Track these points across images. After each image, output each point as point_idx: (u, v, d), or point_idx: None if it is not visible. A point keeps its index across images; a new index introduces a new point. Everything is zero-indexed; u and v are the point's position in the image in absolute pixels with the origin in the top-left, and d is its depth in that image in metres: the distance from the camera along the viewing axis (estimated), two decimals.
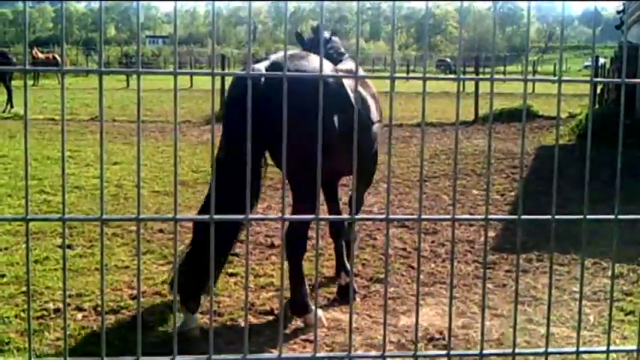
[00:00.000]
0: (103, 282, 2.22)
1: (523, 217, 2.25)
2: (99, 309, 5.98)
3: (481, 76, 26.45)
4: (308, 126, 4.34)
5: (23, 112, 2.17)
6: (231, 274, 6.99)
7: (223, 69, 25.63)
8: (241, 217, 2.29)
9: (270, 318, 5.85)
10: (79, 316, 5.81)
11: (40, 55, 44.76)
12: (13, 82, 24.23)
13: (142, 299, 6.22)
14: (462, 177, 12.43)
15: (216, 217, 2.27)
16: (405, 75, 2.44)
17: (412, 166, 13.50)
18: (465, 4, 2.27)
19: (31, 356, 2.36)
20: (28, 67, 2.23)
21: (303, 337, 5.50)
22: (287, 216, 2.31)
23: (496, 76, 2.28)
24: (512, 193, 11.25)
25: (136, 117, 9.34)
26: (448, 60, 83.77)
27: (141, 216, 2.21)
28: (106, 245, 7.54)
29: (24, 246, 7.58)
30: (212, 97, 2.21)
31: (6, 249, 7.49)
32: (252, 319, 5.83)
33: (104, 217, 2.27)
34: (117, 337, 5.34)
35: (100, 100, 2.18)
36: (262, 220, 7.45)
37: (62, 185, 2.26)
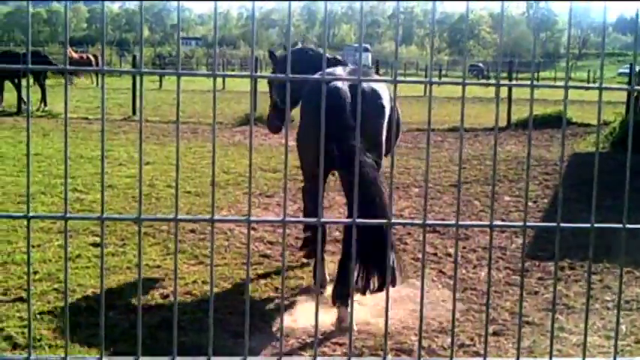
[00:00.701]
0: (140, 281, 2.23)
1: (562, 224, 2.22)
2: (130, 307, 6.02)
3: (515, 82, 26.32)
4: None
5: (63, 111, 2.19)
6: (262, 276, 7.01)
7: (256, 71, 25.70)
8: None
9: (302, 321, 5.85)
10: (111, 314, 5.85)
11: (74, 55, 45.20)
12: (48, 81, 24.45)
13: (171, 299, 6.25)
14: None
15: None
16: (441, 80, 2.43)
17: (443, 171, 13.45)
18: (498, 8, 2.25)
19: (67, 354, 2.37)
20: (68, 67, 2.24)
21: (334, 340, 5.50)
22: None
23: (535, 83, 2.27)
24: (545, 200, 11.18)
25: (168, 118, 9.44)
26: (481, 65, 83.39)
27: (178, 217, 2.22)
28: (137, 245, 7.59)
29: (57, 243, 7.66)
30: (251, 99, 2.22)
31: (39, 246, 7.55)
32: (285, 321, 5.83)
33: (142, 216, 2.28)
34: (148, 335, 5.37)
35: (141, 100, 2.20)
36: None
37: (101, 185, 2.27)
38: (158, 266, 7.18)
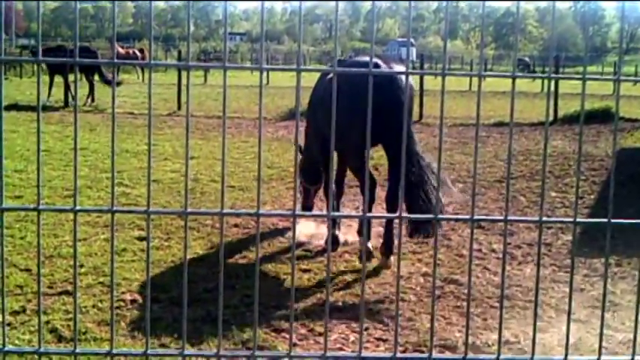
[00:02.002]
0: (185, 275, 2.23)
1: (613, 220, 2.18)
2: (174, 300, 6.06)
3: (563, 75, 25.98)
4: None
5: (109, 106, 2.20)
6: (305, 271, 7.01)
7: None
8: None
9: (343, 315, 5.84)
10: (155, 307, 5.89)
11: (121, 50, 45.58)
12: (96, 76, 24.70)
13: (216, 293, 6.28)
14: (539, 178, 12.21)
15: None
16: (495, 73, 2.39)
17: (488, 167, 13.33)
18: (545, 3, 2.21)
19: (113, 347, 2.39)
20: (116, 60, 2.26)
21: (377, 335, 5.48)
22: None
23: (583, 76, 2.22)
24: (592, 197, 11.02)
25: (212, 113, 9.46)
26: (527, 59, 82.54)
27: (224, 210, 2.22)
28: (182, 238, 7.64)
29: (102, 237, 7.74)
30: (297, 93, 2.21)
31: (85, 239, 7.63)
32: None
33: (188, 210, 2.29)
34: (192, 329, 5.40)
35: (188, 93, 2.19)
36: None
37: (147, 179, 2.29)
38: (202, 260, 7.22)
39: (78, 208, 2.25)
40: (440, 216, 2.26)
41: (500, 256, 7.69)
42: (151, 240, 7.69)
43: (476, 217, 2.24)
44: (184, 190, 2.19)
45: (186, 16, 2.20)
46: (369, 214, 2.28)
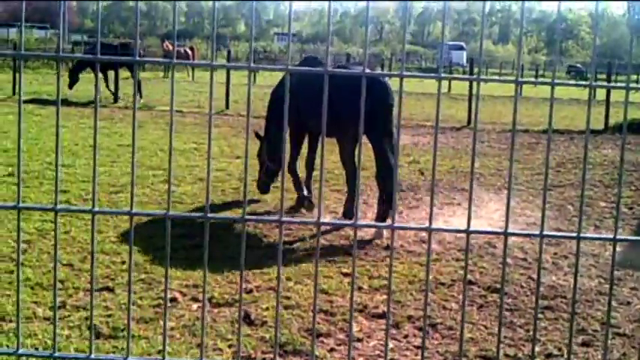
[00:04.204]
0: (242, 278, 2.19)
1: None
2: (214, 300, 6.04)
3: (614, 84, 25.53)
4: None
5: (158, 103, 2.17)
6: (346, 274, 6.95)
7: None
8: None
9: (383, 322, 5.76)
10: (194, 306, 5.88)
11: (171, 48, 45.94)
12: (144, 74, 24.89)
13: (255, 294, 6.25)
14: (588, 188, 11.98)
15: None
16: (531, 79, 2.31)
17: (537, 174, 13.13)
18: (599, 9, 2.12)
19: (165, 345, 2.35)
20: (175, 60, 2.24)
21: (416, 343, 5.40)
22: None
23: (631, 85, 2.13)
24: None
25: (259, 112, 9.34)
26: (579, 66, 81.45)
27: (283, 218, 2.19)
28: (223, 240, 7.62)
29: (145, 234, 7.72)
30: (363, 96, 2.15)
31: (125, 235, 7.65)
32: (364, 322, 5.75)
33: (246, 217, 2.26)
34: (230, 330, 5.37)
35: (248, 96, 2.15)
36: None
37: (207, 190, 2.24)
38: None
39: (134, 211, 2.25)
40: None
41: (546, 265, 7.55)
42: (193, 238, 7.71)
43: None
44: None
45: (237, 16, 2.16)
46: (285, 219, 2.26)
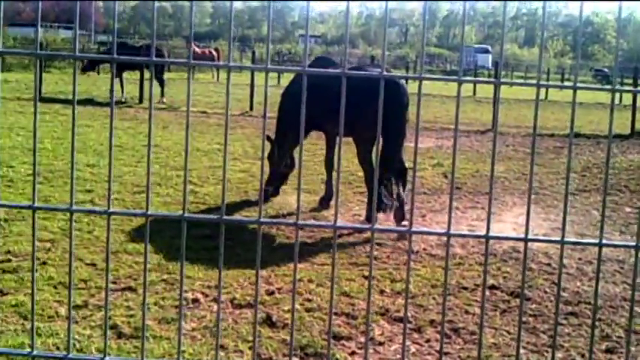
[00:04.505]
0: (257, 280, 2.18)
1: None
2: (235, 302, 6.03)
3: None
4: None
5: (183, 104, 2.17)
6: (368, 277, 6.91)
7: None
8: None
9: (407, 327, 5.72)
10: (216, 307, 5.87)
11: (197, 50, 46.12)
12: (169, 75, 25.03)
13: (277, 296, 6.24)
14: (614, 193, 11.88)
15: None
16: (553, 83, 2.28)
17: (562, 178, 13.03)
18: (625, 14, 2.08)
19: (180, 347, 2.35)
20: (191, 61, 2.24)
21: (438, 347, 5.36)
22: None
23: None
24: None
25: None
26: (606, 70, 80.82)
27: (300, 222, 2.18)
28: (246, 241, 7.62)
29: (167, 234, 7.72)
30: (380, 99, 2.13)
31: (150, 236, 7.64)
32: (386, 325, 5.73)
33: (261, 220, 2.26)
34: (251, 332, 5.36)
35: (265, 97, 2.14)
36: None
37: (222, 192, 2.23)
38: (265, 262, 7.18)
39: (149, 212, 2.25)
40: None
41: (571, 271, 7.48)
42: (214, 239, 7.71)
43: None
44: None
45: (263, 17, 2.15)
46: (300, 222, 2.27)
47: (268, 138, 10.14)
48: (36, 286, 6.03)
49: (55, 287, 6.11)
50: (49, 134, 15.18)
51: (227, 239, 7.71)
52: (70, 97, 21.40)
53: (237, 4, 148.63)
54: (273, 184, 10.20)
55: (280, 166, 10.13)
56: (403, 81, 9.26)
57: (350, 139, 9.39)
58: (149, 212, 2.23)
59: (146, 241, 2.50)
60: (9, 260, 6.80)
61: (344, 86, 2.25)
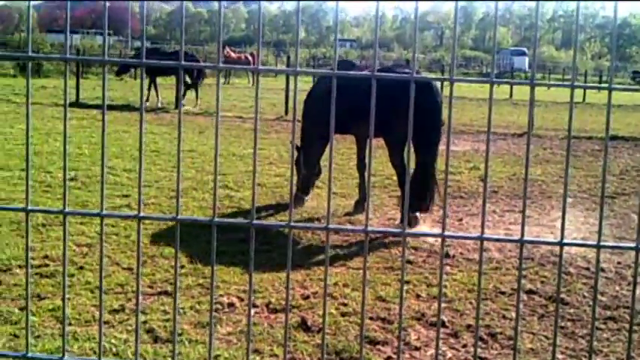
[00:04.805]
0: (288, 282, 2.17)
1: None
2: (271, 306, 6.03)
3: None
4: None
5: (212, 108, 2.18)
6: (405, 282, 6.87)
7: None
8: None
9: (441, 330, 5.68)
10: (252, 312, 5.87)
11: (233, 55, 46.37)
12: (206, 80, 25.19)
13: (312, 300, 6.23)
14: None
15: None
16: (588, 84, 2.25)
17: (600, 181, 12.84)
18: None
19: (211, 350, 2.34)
20: (220, 65, 2.23)
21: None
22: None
23: None
24: None
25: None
26: None
27: (330, 226, 2.17)
28: (283, 245, 7.62)
29: (204, 239, 7.74)
30: (411, 100, 2.11)
31: (186, 241, 7.68)
32: (422, 330, 5.69)
33: (292, 224, 2.25)
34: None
35: (295, 99, 2.13)
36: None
37: (252, 198, 2.22)
38: (300, 266, 7.17)
39: (180, 217, 2.25)
40: (566, 241, 2.14)
41: (609, 275, 7.38)
42: (249, 243, 7.71)
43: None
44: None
45: (296, 21, 2.14)
46: (331, 226, 2.25)
47: (297, 147, 10.13)
48: (73, 291, 6.09)
49: (91, 292, 6.15)
50: (86, 140, 15.34)
51: (263, 243, 7.73)
52: (108, 102, 21.73)
53: (272, 9, 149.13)
54: (302, 191, 10.18)
55: (308, 172, 10.12)
56: (436, 82, 9.30)
57: (381, 142, 9.34)
58: (179, 217, 2.23)
59: (176, 246, 2.50)
60: (46, 265, 6.86)
61: (374, 88, 2.23)
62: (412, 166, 8.62)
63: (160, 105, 24.08)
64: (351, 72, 8.62)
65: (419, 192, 8.72)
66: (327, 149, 9.90)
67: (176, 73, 23.86)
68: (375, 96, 2.28)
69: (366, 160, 10.03)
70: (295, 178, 10.22)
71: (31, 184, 9.28)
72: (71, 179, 10.91)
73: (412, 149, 8.64)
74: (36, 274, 6.55)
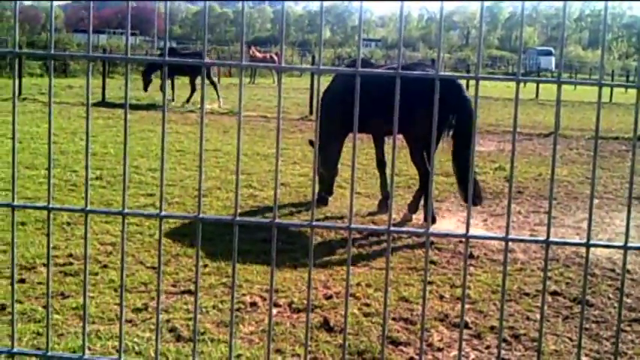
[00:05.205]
0: (310, 281, 2.16)
1: None
2: (294, 306, 6.02)
3: None
4: None
5: (242, 110, 2.17)
6: (429, 282, 6.84)
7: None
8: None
9: (465, 331, 5.64)
10: (275, 311, 5.87)
11: (258, 54, 46.38)
12: (231, 80, 25.23)
13: (335, 300, 6.21)
14: None
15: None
16: (615, 82, 2.22)
17: (627, 182, 12.76)
18: None
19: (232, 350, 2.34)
20: (243, 63, 2.23)
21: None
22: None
23: None
24: None
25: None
26: None
27: (352, 225, 2.16)
28: (306, 245, 7.61)
29: (227, 238, 7.74)
30: (435, 102, 2.09)
31: (210, 240, 7.69)
32: (445, 331, 5.65)
33: (313, 223, 2.24)
34: (309, 336, 5.33)
35: (317, 97, 2.12)
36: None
37: (274, 197, 2.22)
38: (323, 266, 7.16)
39: (201, 216, 2.25)
40: (592, 242, 2.11)
41: (635, 277, 7.31)
42: (269, 242, 7.70)
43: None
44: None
45: (320, 20, 2.13)
46: (353, 226, 2.23)
47: (311, 143, 10.24)
48: (96, 289, 6.12)
49: (115, 290, 6.16)
50: (112, 139, 15.42)
51: (287, 243, 7.73)
52: (133, 102, 21.84)
53: (298, 10, 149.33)
54: (323, 190, 10.16)
55: (326, 172, 10.07)
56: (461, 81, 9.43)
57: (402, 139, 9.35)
58: (201, 216, 2.22)
59: (198, 244, 2.49)
60: (71, 263, 6.89)
61: (398, 85, 2.22)
62: (434, 164, 8.59)
63: (180, 105, 24.16)
64: (374, 70, 8.61)
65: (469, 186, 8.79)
66: (350, 148, 9.98)
67: (191, 73, 23.96)
68: (393, 93, 2.26)
69: (385, 159, 10.03)
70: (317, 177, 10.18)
71: (56, 183, 9.38)
72: (96, 178, 10.96)
73: (437, 147, 8.64)
74: (60, 272, 6.59)
